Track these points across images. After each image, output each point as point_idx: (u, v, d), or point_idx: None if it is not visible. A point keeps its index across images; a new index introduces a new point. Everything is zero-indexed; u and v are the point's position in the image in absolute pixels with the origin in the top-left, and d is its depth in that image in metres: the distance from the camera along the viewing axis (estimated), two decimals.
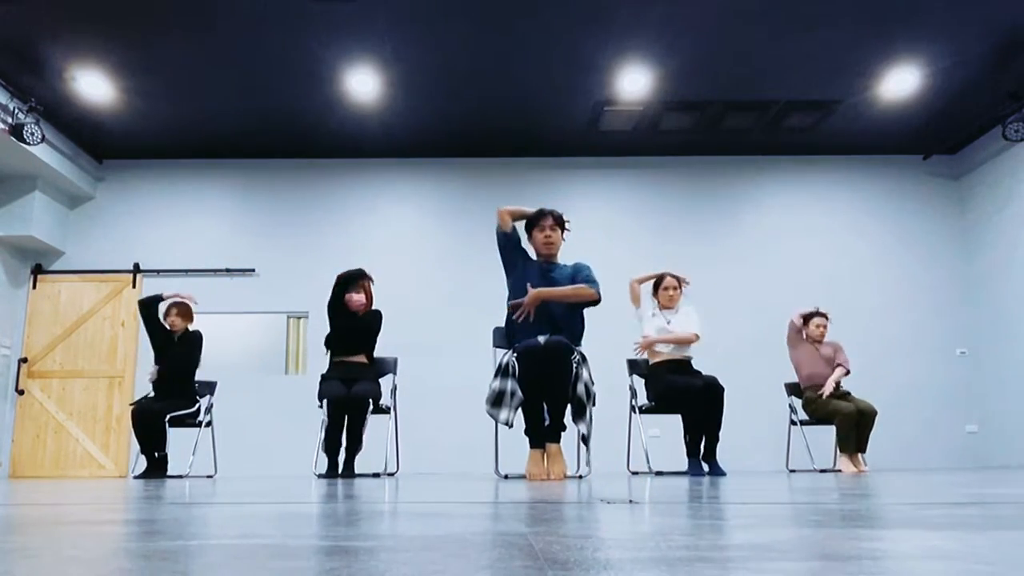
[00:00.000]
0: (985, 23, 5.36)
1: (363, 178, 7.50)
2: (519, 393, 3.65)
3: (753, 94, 6.37)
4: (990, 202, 7.08)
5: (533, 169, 7.54)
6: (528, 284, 3.84)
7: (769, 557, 0.74)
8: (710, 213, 7.47)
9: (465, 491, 2.34)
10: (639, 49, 5.67)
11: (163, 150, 7.31)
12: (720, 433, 4.53)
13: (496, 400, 3.69)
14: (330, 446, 4.68)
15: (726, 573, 0.64)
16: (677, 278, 5.05)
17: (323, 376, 4.91)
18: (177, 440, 5.54)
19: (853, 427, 5.14)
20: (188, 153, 7.39)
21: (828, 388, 5.34)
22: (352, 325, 4.98)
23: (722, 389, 4.48)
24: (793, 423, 5.72)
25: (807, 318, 5.67)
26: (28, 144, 5.94)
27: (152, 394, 5.34)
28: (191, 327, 5.49)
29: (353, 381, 4.79)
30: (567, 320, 3.91)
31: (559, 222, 4.08)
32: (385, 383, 5.12)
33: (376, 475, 5.05)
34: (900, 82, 6.15)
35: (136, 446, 5.49)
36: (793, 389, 5.80)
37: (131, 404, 5.36)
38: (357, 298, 4.99)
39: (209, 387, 5.65)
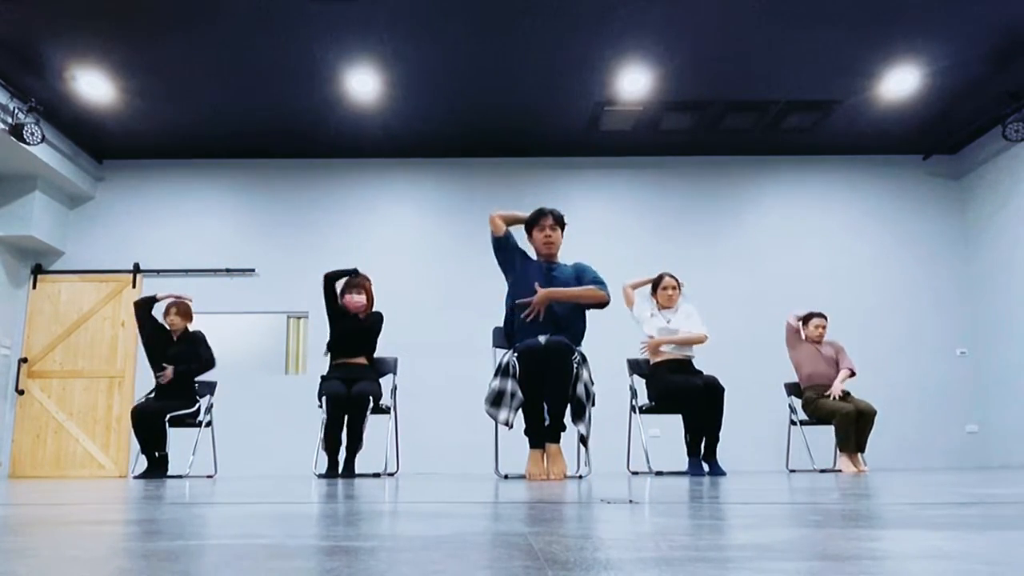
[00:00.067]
0: (985, 23, 5.36)
1: (363, 178, 7.50)
2: (519, 394, 3.65)
3: (753, 94, 6.37)
4: (990, 202, 7.08)
5: (533, 169, 7.54)
6: (536, 284, 3.84)
7: (769, 557, 0.74)
8: (710, 213, 7.48)
9: (465, 491, 2.34)
10: (639, 49, 5.67)
11: (163, 150, 7.31)
12: (720, 433, 4.53)
13: (496, 400, 3.69)
14: (330, 444, 4.67)
15: (726, 573, 0.64)
16: (676, 278, 5.05)
17: (323, 376, 4.91)
18: (177, 440, 5.54)
19: (852, 427, 5.14)
20: (188, 153, 7.39)
21: (837, 390, 5.34)
22: (353, 327, 4.98)
23: (722, 389, 4.48)
24: (793, 423, 5.72)
25: (805, 319, 5.68)
26: (28, 144, 5.94)
27: (153, 394, 5.34)
28: (191, 327, 5.49)
29: (353, 381, 4.79)
30: (570, 320, 3.91)
31: (559, 221, 4.08)
32: (385, 383, 5.12)
33: (376, 475, 5.05)
34: (900, 82, 6.15)
35: (136, 446, 5.50)
36: (793, 389, 5.80)
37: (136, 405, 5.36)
38: (358, 299, 4.98)
39: (209, 387, 5.65)
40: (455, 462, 6.73)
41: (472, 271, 7.10)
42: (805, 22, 5.36)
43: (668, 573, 0.64)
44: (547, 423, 3.70)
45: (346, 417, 4.71)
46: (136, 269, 7.23)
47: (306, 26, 5.33)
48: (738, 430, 6.54)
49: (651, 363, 4.94)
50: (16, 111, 5.92)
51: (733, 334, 7.00)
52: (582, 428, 3.72)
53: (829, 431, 5.40)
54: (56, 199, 7.09)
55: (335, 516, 1.34)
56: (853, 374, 5.52)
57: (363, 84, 6.08)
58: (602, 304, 3.96)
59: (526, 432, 3.73)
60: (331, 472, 4.67)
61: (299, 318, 7.27)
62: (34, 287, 7.16)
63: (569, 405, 3.73)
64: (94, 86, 6.05)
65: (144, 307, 5.37)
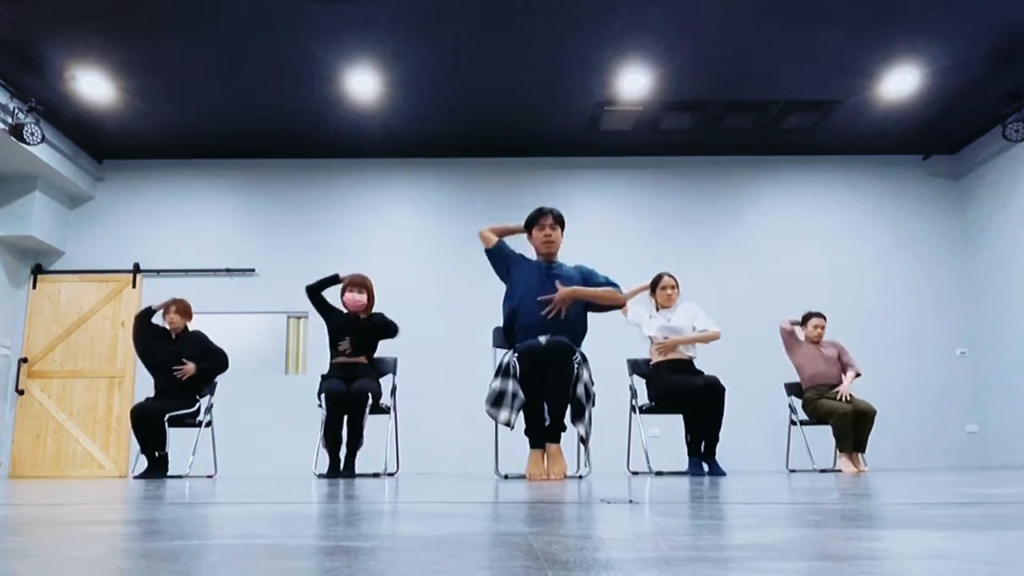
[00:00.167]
0: (985, 23, 5.36)
1: (363, 178, 7.50)
2: (521, 395, 3.65)
3: (753, 94, 6.37)
4: (990, 202, 7.08)
5: (533, 169, 7.54)
6: (558, 282, 3.85)
7: (769, 557, 0.74)
8: (710, 213, 7.48)
9: (465, 491, 2.34)
10: (639, 49, 5.67)
11: (163, 150, 7.31)
12: (720, 433, 4.53)
13: (496, 400, 3.69)
14: (330, 442, 4.67)
15: (726, 573, 0.64)
16: (674, 277, 5.05)
17: (323, 376, 4.92)
18: (177, 440, 5.53)
19: (849, 426, 5.14)
20: (188, 153, 7.39)
21: (846, 392, 5.35)
22: (352, 327, 4.97)
23: (723, 389, 4.48)
24: (793, 423, 5.73)
25: (804, 319, 5.68)
26: (28, 144, 5.94)
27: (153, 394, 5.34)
28: (190, 326, 5.49)
29: (353, 380, 4.80)
30: (572, 321, 3.91)
31: (559, 220, 4.08)
32: (385, 383, 5.12)
33: (376, 475, 5.05)
34: (900, 82, 6.15)
35: (136, 446, 5.49)
36: (793, 389, 5.80)
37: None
38: (359, 298, 4.98)
39: (209, 387, 5.65)
40: (455, 462, 6.73)
41: (472, 271, 7.10)
42: (805, 22, 5.36)
43: (668, 573, 0.64)
44: (547, 423, 3.70)
45: (346, 416, 4.72)
46: (136, 269, 7.23)
47: (306, 26, 5.33)
48: (738, 430, 6.54)
49: (651, 363, 4.94)
50: (16, 111, 5.92)
51: (733, 334, 6.99)
52: (582, 429, 3.72)
53: (829, 431, 5.40)
54: (56, 199, 7.09)
55: (335, 516, 1.34)
56: (858, 375, 5.53)
57: (363, 84, 6.08)
58: (619, 306, 4.09)
59: (526, 432, 3.73)
60: (332, 470, 4.67)
61: (299, 318, 7.27)
62: (34, 287, 7.16)
63: (569, 405, 3.73)
64: (94, 86, 6.05)
65: (143, 319, 5.38)
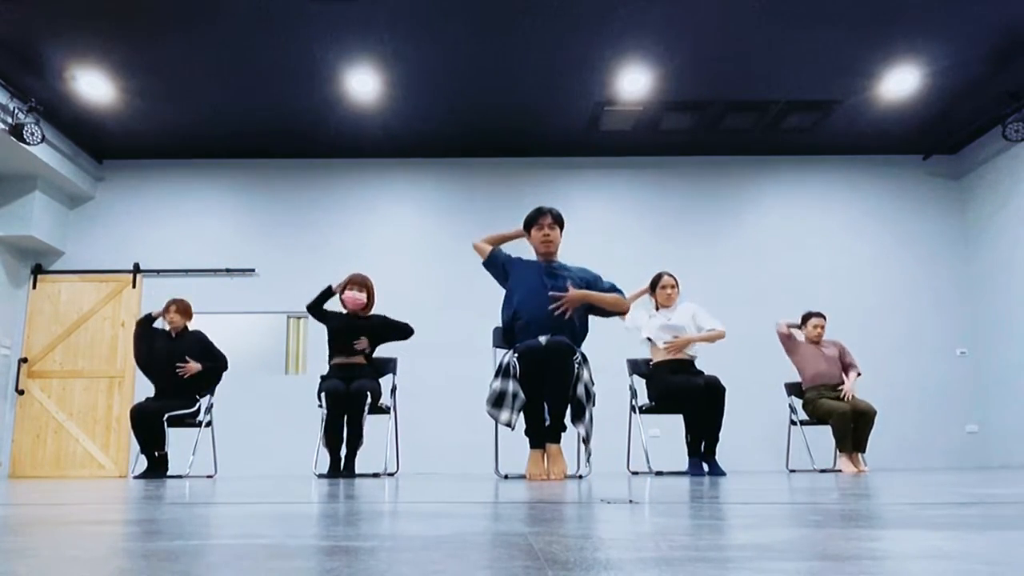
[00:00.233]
0: (985, 23, 5.36)
1: (363, 178, 7.50)
2: (521, 395, 3.65)
3: (753, 94, 6.37)
4: (990, 202, 7.08)
5: (533, 169, 7.54)
6: (569, 283, 3.86)
7: (769, 557, 0.74)
8: (710, 213, 7.48)
9: (465, 491, 2.34)
10: (639, 49, 5.67)
11: (163, 150, 7.31)
12: (720, 433, 4.52)
13: (497, 400, 3.69)
14: (330, 441, 4.67)
15: (726, 573, 0.64)
16: (673, 276, 5.04)
17: (323, 376, 4.92)
18: (177, 440, 5.54)
19: (849, 426, 5.14)
20: (188, 153, 7.39)
21: (850, 393, 5.36)
22: (352, 327, 4.98)
23: (723, 389, 4.47)
24: (793, 423, 5.73)
25: (804, 318, 5.68)
26: (28, 144, 5.94)
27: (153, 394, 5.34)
28: (190, 326, 5.49)
29: (353, 380, 4.80)
30: (574, 322, 3.92)
31: (557, 220, 4.09)
32: (385, 383, 5.12)
33: (376, 475, 5.05)
34: (900, 82, 6.15)
35: (136, 446, 5.49)
36: (793, 389, 5.80)
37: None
38: (359, 296, 4.99)
39: (209, 387, 5.64)
40: (455, 462, 6.73)
41: (472, 271, 7.08)
42: (805, 22, 5.36)
43: (668, 573, 0.64)
44: (547, 423, 3.70)
45: (346, 415, 4.72)
46: (136, 269, 7.23)
47: (306, 26, 5.33)
48: (738, 430, 6.54)
49: (651, 363, 4.93)
50: (16, 111, 5.92)
51: (733, 334, 6.95)
52: (583, 428, 3.72)
53: (829, 431, 5.40)
54: (56, 199, 7.09)
55: (335, 516, 1.34)
56: (859, 374, 5.55)
57: (363, 84, 6.08)
58: (623, 313, 4.14)
59: (527, 432, 3.73)
60: (332, 469, 4.67)
61: (299, 318, 7.27)
62: (34, 287, 7.16)
63: (569, 405, 3.74)
64: (94, 86, 6.05)
65: (144, 325, 5.38)
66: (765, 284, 7.29)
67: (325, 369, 5.02)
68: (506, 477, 4.14)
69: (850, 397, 5.35)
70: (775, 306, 7.09)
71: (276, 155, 7.45)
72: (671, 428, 6.26)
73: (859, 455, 5.25)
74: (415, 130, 6.95)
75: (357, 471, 4.82)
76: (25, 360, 7.03)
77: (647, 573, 0.65)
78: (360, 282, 5.03)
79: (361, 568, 0.69)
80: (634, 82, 6.11)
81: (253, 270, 7.26)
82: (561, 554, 0.77)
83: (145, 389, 5.43)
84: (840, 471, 5.24)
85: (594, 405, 3.80)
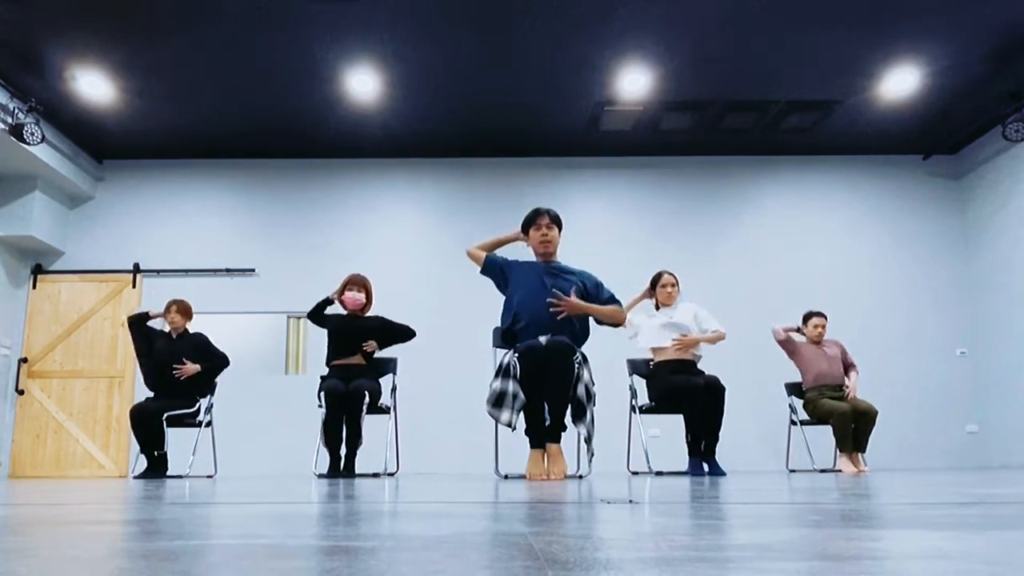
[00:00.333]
0: (985, 23, 5.36)
1: (363, 178, 7.50)
2: (522, 395, 3.65)
3: (753, 94, 6.37)
4: (990, 202, 7.08)
5: (533, 169, 7.54)
6: (573, 291, 3.85)
7: (769, 557, 0.74)
8: (710, 213, 7.48)
9: (465, 491, 2.34)
10: (639, 49, 5.67)
11: (163, 150, 7.31)
12: (720, 433, 4.52)
13: (497, 401, 3.69)
14: (330, 440, 4.68)
15: (726, 573, 0.64)
16: (673, 275, 5.03)
17: (323, 376, 4.92)
18: (177, 440, 5.54)
19: (849, 426, 5.14)
20: (188, 153, 7.39)
21: (854, 392, 5.39)
22: (351, 327, 4.98)
23: (723, 389, 4.47)
24: (793, 423, 5.72)
25: (805, 318, 5.68)
26: (28, 144, 5.94)
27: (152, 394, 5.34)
28: (190, 326, 5.48)
29: (352, 380, 4.80)
30: (573, 322, 3.92)
31: (555, 220, 4.09)
32: (385, 383, 5.12)
33: (376, 475, 5.05)
34: (900, 82, 6.15)
35: (136, 446, 5.49)
36: (793, 389, 5.80)
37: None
38: (358, 296, 5.00)
39: (209, 387, 5.64)
40: (455, 462, 6.73)
41: (472, 271, 7.07)
42: (805, 22, 5.36)
43: (668, 573, 0.64)
44: (547, 423, 3.70)
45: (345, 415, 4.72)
46: (136, 269, 7.23)
47: (306, 26, 5.33)
48: (738, 430, 6.54)
49: (652, 363, 4.93)
50: (16, 111, 5.92)
51: (733, 334, 6.96)
52: (584, 428, 3.72)
53: (829, 431, 5.40)
54: (56, 199, 7.09)
55: (335, 516, 1.34)
56: (857, 373, 5.57)
57: (363, 84, 6.08)
58: (619, 325, 4.13)
59: (527, 432, 3.73)
60: (332, 469, 4.67)
61: (299, 318, 7.27)
62: (34, 287, 7.16)
63: (570, 405, 3.74)
64: (94, 86, 6.05)
65: (138, 322, 5.37)
66: (765, 284, 7.29)
67: (325, 369, 5.02)
68: (506, 477, 4.14)
69: (853, 396, 5.36)
70: (775, 306, 7.09)
71: (276, 155, 7.45)
72: (671, 428, 6.26)
73: (859, 455, 5.25)
74: (415, 130, 6.95)
75: (357, 471, 4.82)
76: (25, 360, 7.03)
77: (647, 573, 0.65)
78: (359, 283, 5.04)
79: (361, 568, 0.69)
80: (634, 82, 6.11)
81: (253, 270, 7.26)
82: (561, 554, 0.77)
83: (145, 389, 5.42)
84: (840, 471, 5.24)
85: (594, 405, 3.81)
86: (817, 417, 5.42)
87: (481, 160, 7.55)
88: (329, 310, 5.10)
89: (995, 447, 6.89)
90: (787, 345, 5.62)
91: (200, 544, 0.90)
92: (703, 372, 4.74)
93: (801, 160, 7.58)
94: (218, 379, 5.55)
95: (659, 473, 4.90)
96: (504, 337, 4.02)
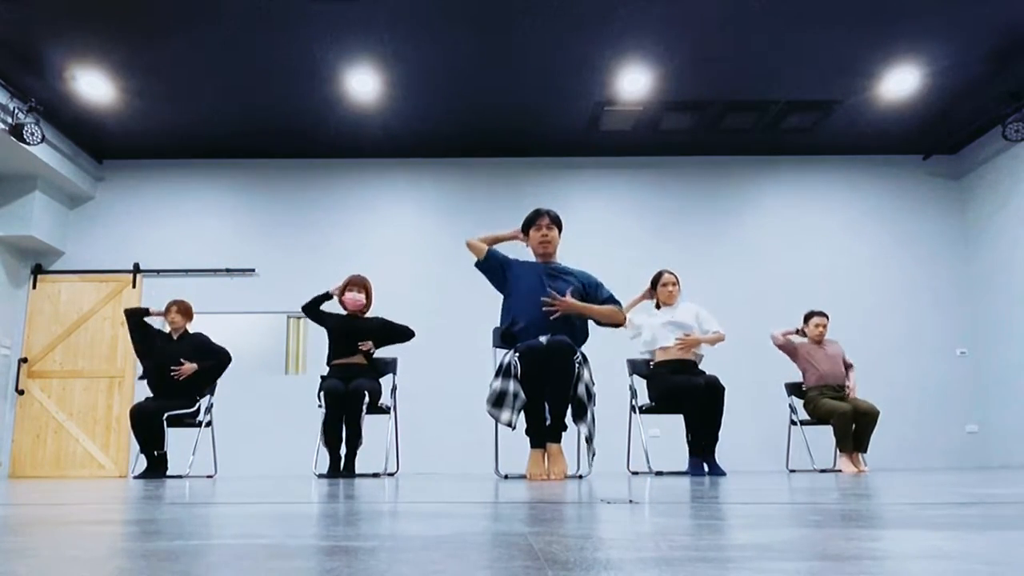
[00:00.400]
0: (985, 23, 5.36)
1: (363, 178, 7.50)
2: (522, 395, 3.65)
3: (753, 94, 6.37)
4: (990, 202, 7.08)
5: (533, 169, 7.54)
6: (569, 291, 3.85)
7: (769, 557, 0.74)
8: (710, 213, 7.48)
9: (465, 491, 2.34)
10: (639, 49, 5.67)
11: (163, 150, 7.31)
12: (719, 433, 4.52)
13: (497, 400, 3.69)
14: (330, 439, 4.68)
15: (726, 573, 0.64)
16: (674, 274, 5.03)
17: (323, 376, 4.92)
18: (177, 440, 5.53)
19: (850, 426, 5.14)
20: (188, 153, 7.39)
21: (854, 391, 5.44)
22: (351, 328, 4.98)
23: (723, 389, 4.47)
24: (793, 423, 5.72)
25: (806, 318, 5.67)
26: (28, 144, 5.94)
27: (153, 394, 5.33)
28: (191, 327, 5.48)
29: (352, 379, 4.80)
30: (572, 322, 3.92)
31: (555, 221, 4.09)
32: (385, 383, 5.12)
33: (376, 475, 5.05)
34: (900, 82, 6.15)
35: (136, 446, 5.49)
36: (793, 389, 5.80)
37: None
38: (358, 297, 5.00)
39: (209, 387, 5.64)
40: (455, 462, 6.73)
41: (472, 271, 7.07)
42: (805, 22, 5.36)
43: (668, 573, 0.64)
44: (548, 423, 3.70)
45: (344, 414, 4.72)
46: (136, 269, 7.23)
47: (306, 26, 5.33)
48: (738, 430, 6.54)
49: (652, 363, 4.92)
50: (16, 111, 5.92)
51: (733, 334, 6.97)
52: (585, 428, 3.73)
53: (830, 431, 5.40)
54: (56, 199, 7.09)
55: (335, 516, 1.34)
56: (854, 372, 5.60)
57: (363, 84, 6.08)
58: (618, 325, 4.08)
59: (527, 432, 3.74)
60: (332, 469, 4.67)
61: (299, 318, 7.27)
62: (34, 287, 7.16)
63: (570, 405, 3.73)
64: (94, 86, 6.05)
65: (136, 316, 5.36)
66: (765, 284, 7.29)
67: (325, 369, 5.02)
68: (506, 477, 4.14)
69: (854, 395, 5.38)
70: (775, 306, 7.09)
71: (276, 155, 7.45)
72: (671, 428, 6.26)
73: (859, 455, 5.25)
74: (415, 130, 6.95)
75: (357, 471, 4.82)
76: (25, 360, 7.03)
77: (647, 573, 0.65)
78: (360, 283, 5.05)
79: (361, 568, 0.69)
80: (634, 82, 6.11)
81: (253, 270, 7.26)
82: (561, 554, 0.77)
83: (145, 389, 5.42)
84: (840, 471, 5.24)
85: (594, 405, 3.81)
86: (818, 417, 5.42)
87: (481, 160, 7.55)
88: (329, 308, 5.09)
89: (995, 447, 6.89)
90: (787, 349, 5.61)
91: (200, 544, 0.90)
92: (704, 372, 4.74)
93: (801, 160, 7.58)
94: (218, 379, 5.54)
95: (659, 473, 4.90)
96: (503, 337, 4.02)
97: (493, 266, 4.11)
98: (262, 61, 5.77)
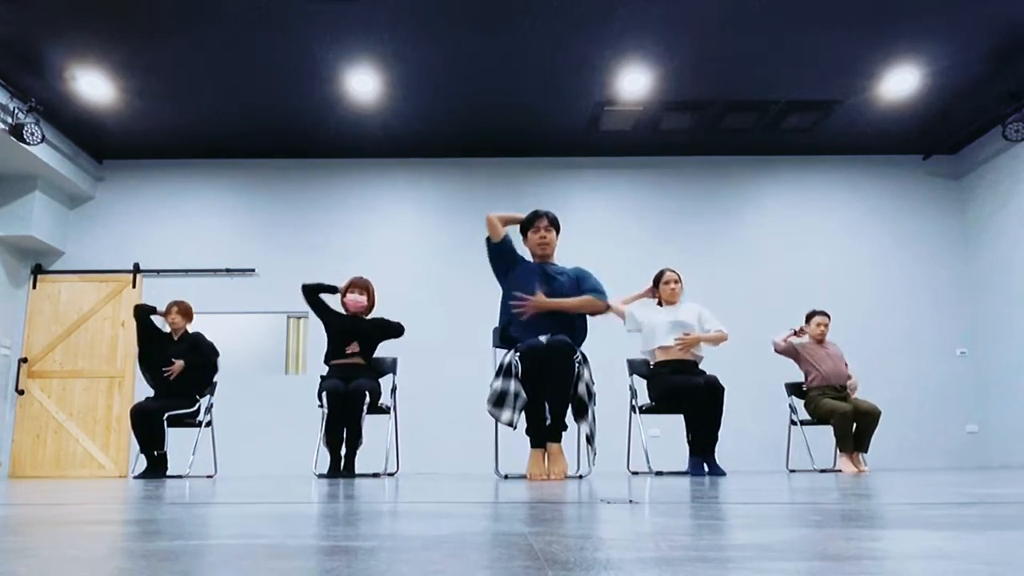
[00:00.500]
0: (985, 23, 5.36)
1: (363, 178, 7.50)
2: (523, 395, 3.65)
3: (753, 94, 6.37)
4: (990, 202, 7.08)
5: (533, 169, 7.54)
6: (538, 289, 3.84)
7: (769, 557, 0.74)
8: (710, 213, 7.48)
9: (465, 491, 2.34)
10: (639, 49, 5.67)
11: (163, 150, 7.31)
12: (719, 433, 4.52)
13: (498, 400, 3.69)
14: (330, 439, 4.68)
15: (726, 573, 0.64)
16: (676, 272, 5.02)
17: (323, 376, 4.92)
18: (177, 440, 5.54)
19: (850, 426, 5.14)
20: (188, 153, 7.39)
21: (855, 389, 5.47)
22: (351, 328, 4.98)
23: (722, 388, 4.47)
24: (793, 423, 5.72)
25: (808, 317, 5.67)
26: (28, 144, 5.94)
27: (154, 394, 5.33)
28: (191, 327, 5.49)
29: (352, 379, 4.80)
30: (571, 321, 3.92)
31: (553, 223, 4.11)
32: (385, 383, 5.12)
33: (376, 475, 5.05)
34: (900, 82, 6.15)
35: (136, 446, 5.49)
36: (793, 389, 5.80)
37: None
38: (359, 299, 4.99)
39: (209, 387, 5.64)
40: (455, 462, 6.73)
41: (472, 271, 7.10)
42: (805, 22, 5.36)
43: (668, 573, 0.64)
44: (548, 423, 3.70)
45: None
46: (136, 269, 7.23)
47: (306, 26, 5.33)
48: (738, 430, 6.55)
49: (652, 363, 4.92)
50: (16, 111, 5.92)
51: (733, 334, 6.96)
52: (586, 427, 3.73)
53: (830, 431, 5.40)
54: (56, 199, 7.09)
55: (335, 516, 1.34)
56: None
57: (363, 84, 6.08)
58: (597, 313, 4.01)
59: (527, 431, 3.74)
60: (332, 469, 4.67)
61: (299, 318, 7.27)
62: (34, 287, 7.16)
63: (570, 405, 3.74)
64: (94, 86, 6.05)
65: (142, 313, 5.36)
66: (765, 284, 7.29)
67: (325, 369, 5.02)
68: (506, 477, 4.14)
69: (854, 395, 5.40)
70: (775, 306, 7.09)
71: (276, 155, 7.45)
72: (671, 428, 6.26)
73: (859, 455, 5.25)
74: (415, 130, 6.95)
75: (357, 471, 4.82)
76: (25, 360, 7.03)
77: (647, 573, 0.65)
78: (362, 285, 5.04)
79: (361, 568, 0.69)
80: (634, 82, 6.11)
81: (253, 270, 7.26)
82: (561, 554, 0.77)
83: (145, 389, 5.42)
84: (840, 471, 5.24)
85: (595, 404, 3.81)
86: (818, 417, 5.42)
87: (481, 160, 7.55)
88: (329, 303, 5.07)
89: (995, 447, 6.89)
90: (790, 352, 5.60)
91: (200, 544, 0.90)
92: (704, 372, 4.74)
93: (801, 160, 7.58)
94: (218, 379, 5.54)
95: (659, 473, 4.90)
96: (503, 337, 4.03)
97: (505, 252, 4.08)
98: (262, 61, 5.77)
